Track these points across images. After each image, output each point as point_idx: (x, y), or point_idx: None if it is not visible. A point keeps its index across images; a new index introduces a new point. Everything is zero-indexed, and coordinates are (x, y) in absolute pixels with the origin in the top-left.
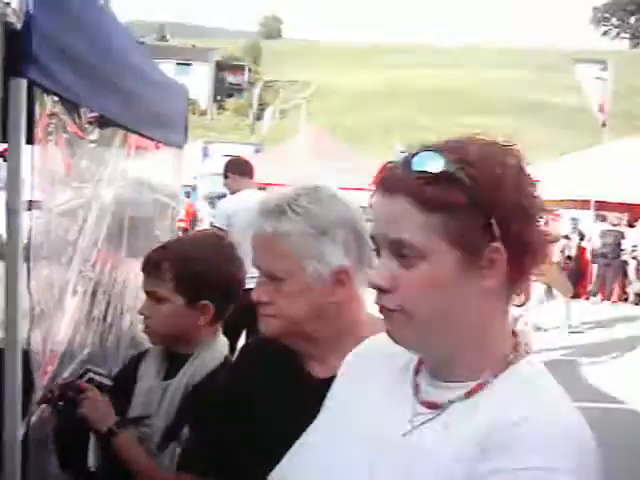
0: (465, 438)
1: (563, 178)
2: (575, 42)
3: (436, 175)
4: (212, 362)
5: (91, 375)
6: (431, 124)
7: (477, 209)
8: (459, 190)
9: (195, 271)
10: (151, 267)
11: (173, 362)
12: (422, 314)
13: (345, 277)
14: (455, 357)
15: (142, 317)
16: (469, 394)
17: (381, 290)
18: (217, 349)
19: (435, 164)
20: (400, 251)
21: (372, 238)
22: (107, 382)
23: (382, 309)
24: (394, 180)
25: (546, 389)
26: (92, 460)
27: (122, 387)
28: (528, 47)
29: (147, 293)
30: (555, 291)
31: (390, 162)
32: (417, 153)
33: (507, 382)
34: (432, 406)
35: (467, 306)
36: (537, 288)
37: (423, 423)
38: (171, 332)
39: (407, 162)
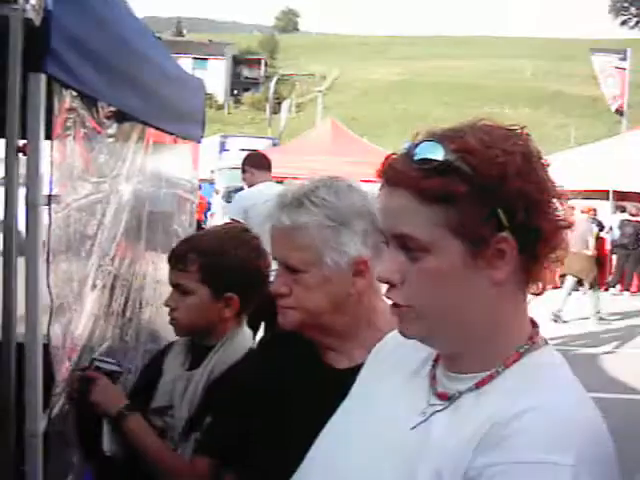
0: (470, 429)
1: (581, 168)
2: (593, 31)
3: (435, 166)
4: (235, 353)
5: (97, 364)
6: (448, 115)
7: (479, 198)
8: (460, 180)
9: (220, 263)
10: (177, 259)
11: (198, 353)
12: (429, 307)
13: (364, 267)
14: (465, 349)
15: (168, 309)
16: (478, 385)
17: (390, 284)
18: (241, 341)
19: (435, 154)
20: (405, 245)
21: (381, 232)
22: (116, 369)
23: (392, 303)
24: (394, 173)
25: (556, 380)
26: (107, 444)
27: (148, 379)
28: (546, 37)
29: (173, 285)
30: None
31: (393, 154)
32: (419, 144)
33: (517, 373)
34: (443, 397)
35: (476, 298)
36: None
37: (433, 414)
38: (196, 324)
39: (408, 153)
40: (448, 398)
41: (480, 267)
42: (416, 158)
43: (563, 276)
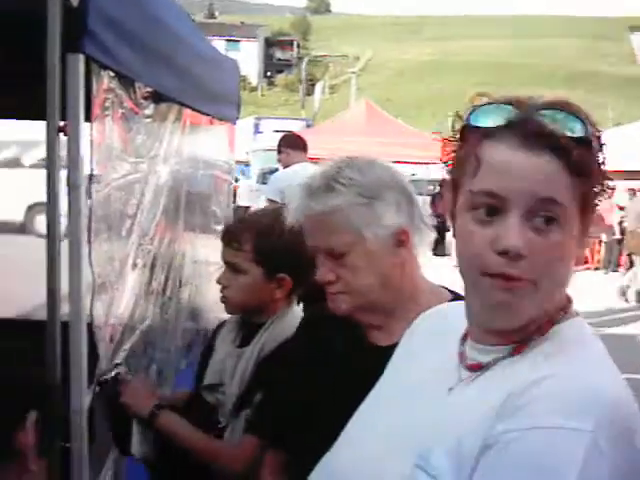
0: (494, 398)
1: (618, 148)
2: (630, 10)
3: (583, 138)
4: (285, 332)
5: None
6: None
7: (599, 177)
8: (594, 156)
9: (274, 244)
10: (231, 238)
11: (248, 330)
12: (548, 283)
13: (405, 237)
14: (531, 322)
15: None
16: (512, 354)
17: (516, 256)
18: (291, 319)
19: (578, 126)
20: (543, 212)
21: (489, 194)
22: (121, 371)
23: (507, 278)
24: (539, 136)
25: (585, 351)
26: (136, 447)
27: (202, 358)
28: (582, 15)
29: (226, 263)
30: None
31: (524, 117)
32: (550, 108)
33: (548, 342)
34: (476, 367)
35: (570, 274)
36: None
37: (465, 386)
38: (248, 302)
39: (546, 119)
40: (481, 368)
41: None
42: (564, 126)
43: (630, 255)
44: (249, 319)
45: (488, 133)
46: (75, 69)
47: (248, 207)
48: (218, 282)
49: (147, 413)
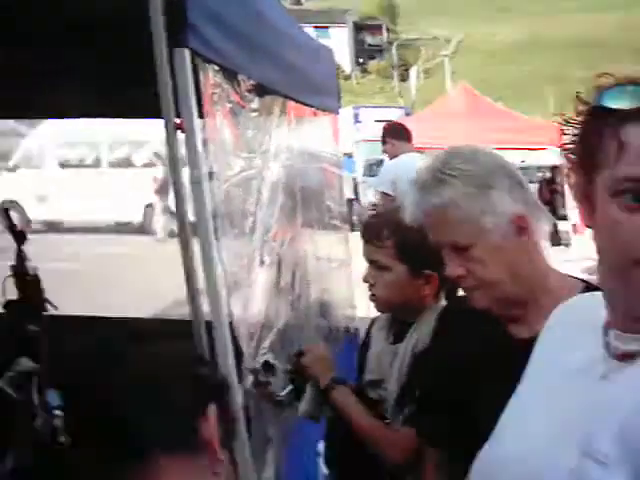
0: None
1: None
2: None
3: None
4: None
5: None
6: (584, 76)
7: None
8: None
9: (416, 239)
10: (371, 235)
11: (400, 327)
12: None
13: (524, 223)
14: None
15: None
16: None
17: None
18: None
19: None
20: None
21: (636, 180)
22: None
23: None
24: None
25: None
26: (303, 407)
27: (359, 355)
28: None
29: (370, 261)
30: None
31: None
32: None
33: None
34: (627, 356)
35: None
36: None
37: (617, 374)
38: (396, 300)
39: None
40: (632, 357)
41: None
42: None
43: None
44: (399, 317)
45: (628, 116)
46: (182, 64)
47: (352, 199)
48: (365, 280)
49: (324, 384)
